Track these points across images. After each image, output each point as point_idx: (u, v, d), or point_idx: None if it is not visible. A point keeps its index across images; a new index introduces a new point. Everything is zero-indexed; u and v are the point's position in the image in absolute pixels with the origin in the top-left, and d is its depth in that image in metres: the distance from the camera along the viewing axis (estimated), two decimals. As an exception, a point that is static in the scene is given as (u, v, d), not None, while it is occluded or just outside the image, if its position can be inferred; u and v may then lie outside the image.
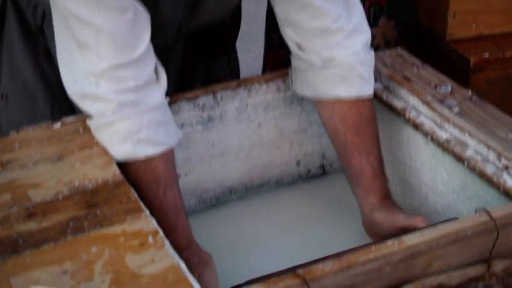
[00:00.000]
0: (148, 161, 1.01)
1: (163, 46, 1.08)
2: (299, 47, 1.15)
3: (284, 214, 1.24)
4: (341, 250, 0.91)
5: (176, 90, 1.19)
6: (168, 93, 1.06)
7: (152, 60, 1.03)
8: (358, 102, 1.14)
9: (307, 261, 0.88)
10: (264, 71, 1.71)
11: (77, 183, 0.94)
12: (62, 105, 1.18)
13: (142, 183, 1.01)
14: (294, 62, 1.19)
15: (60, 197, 0.92)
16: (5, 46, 1.24)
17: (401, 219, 1.07)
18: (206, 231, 1.17)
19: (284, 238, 1.18)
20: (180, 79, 1.28)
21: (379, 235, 1.10)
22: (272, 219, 1.23)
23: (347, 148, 1.14)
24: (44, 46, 1.20)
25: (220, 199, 1.27)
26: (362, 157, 1.13)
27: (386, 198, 1.13)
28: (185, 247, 1.01)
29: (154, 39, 1.03)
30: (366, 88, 1.15)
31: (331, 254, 0.90)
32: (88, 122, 1.04)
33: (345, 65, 1.13)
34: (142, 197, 0.96)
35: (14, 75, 1.24)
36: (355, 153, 1.13)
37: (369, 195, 1.12)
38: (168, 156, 1.03)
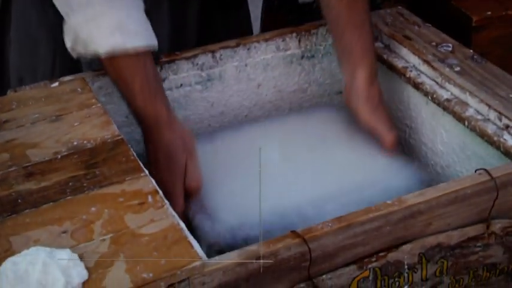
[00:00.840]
0: (135, 54, 1.01)
1: None
2: None
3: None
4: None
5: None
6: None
7: None
8: None
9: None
10: None
11: (75, 143, 0.94)
12: (64, 56, 1.18)
13: (127, 63, 1.01)
14: None
15: (59, 156, 0.92)
16: None
17: (377, 126, 1.12)
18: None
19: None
20: (199, 33, 1.28)
21: (354, 115, 1.14)
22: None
23: (339, 22, 1.15)
24: None
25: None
26: (354, 32, 1.14)
27: (374, 79, 1.14)
28: (165, 121, 1.01)
29: None
30: None
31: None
32: (69, 24, 1.03)
33: None
34: (123, 77, 1.00)
35: (18, 20, 1.23)
36: (347, 28, 1.14)
37: (357, 69, 1.13)
38: (153, 59, 1.04)
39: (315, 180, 1.08)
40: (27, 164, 0.90)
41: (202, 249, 0.80)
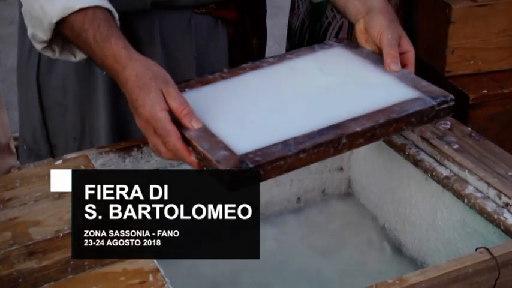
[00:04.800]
0: (85, 10, 1.02)
1: None
2: None
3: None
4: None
5: None
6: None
7: None
8: None
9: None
10: None
11: (77, 221, 0.94)
12: (93, 120, 1.22)
13: (77, 20, 1.02)
14: None
15: (61, 235, 0.92)
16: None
17: (384, 39, 1.10)
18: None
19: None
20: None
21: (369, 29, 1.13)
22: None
23: None
24: None
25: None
26: None
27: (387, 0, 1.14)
28: (125, 56, 0.99)
29: None
30: None
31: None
32: (24, 7, 1.07)
33: None
34: (77, 33, 1.01)
35: (45, 86, 1.27)
36: None
37: None
38: (107, 14, 1.04)
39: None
40: (29, 243, 0.90)
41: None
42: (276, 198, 1.30)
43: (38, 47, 1.09)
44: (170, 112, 0.95)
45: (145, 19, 1.22)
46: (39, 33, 1.06)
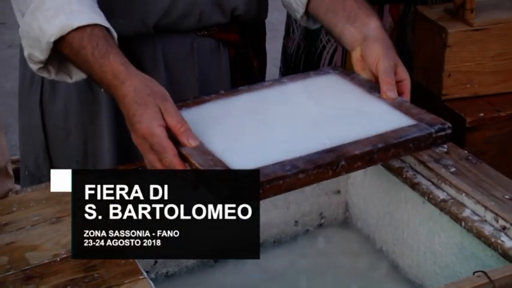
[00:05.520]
0: (83, 28, 1.03)
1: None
2: None
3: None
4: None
5: None
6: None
7: None
8: None
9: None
10: None
11: (74, 245, 0.94)
12: (95, 143, 1.23)
13: (75, 38, 1.03)
14: None
15: (58, 259, 0.92)
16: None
17: (380, 67, 1.12)
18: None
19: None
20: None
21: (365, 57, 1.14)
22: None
23: (335, 4, 1.20)
24: None
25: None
26: (352, 3, 1.18)
27: (383, 29, 1.17)
28: (123, 72, 1.00)
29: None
30: None
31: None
32: (22, 27, 1.07)
33: None
34: (75, 51, 1.02)
35: (47, 111, 1.28)
36: (343, 3, 1.18)
37: (369, 23, 1.16)
38: (105, 32, 1.04)
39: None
40: (26, 267, 0.90)
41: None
42: (274, 221, 1.30)
43: (34, 67, 1.09)
44: (167, 129, 0.96)
45: (148, 43, 1.23)
46: (36, 53, 1.06)
